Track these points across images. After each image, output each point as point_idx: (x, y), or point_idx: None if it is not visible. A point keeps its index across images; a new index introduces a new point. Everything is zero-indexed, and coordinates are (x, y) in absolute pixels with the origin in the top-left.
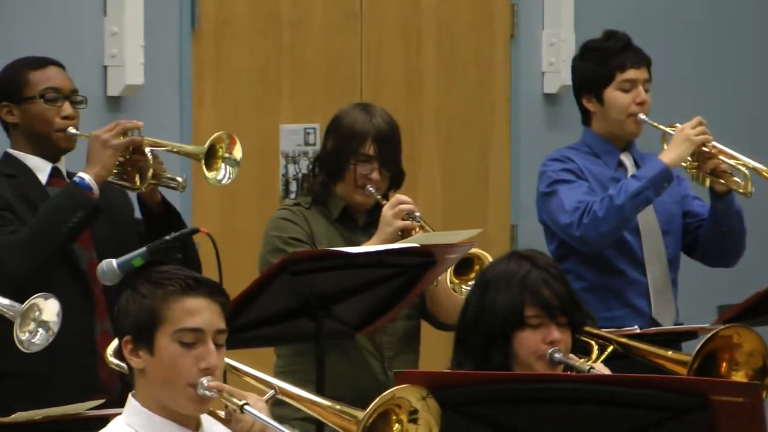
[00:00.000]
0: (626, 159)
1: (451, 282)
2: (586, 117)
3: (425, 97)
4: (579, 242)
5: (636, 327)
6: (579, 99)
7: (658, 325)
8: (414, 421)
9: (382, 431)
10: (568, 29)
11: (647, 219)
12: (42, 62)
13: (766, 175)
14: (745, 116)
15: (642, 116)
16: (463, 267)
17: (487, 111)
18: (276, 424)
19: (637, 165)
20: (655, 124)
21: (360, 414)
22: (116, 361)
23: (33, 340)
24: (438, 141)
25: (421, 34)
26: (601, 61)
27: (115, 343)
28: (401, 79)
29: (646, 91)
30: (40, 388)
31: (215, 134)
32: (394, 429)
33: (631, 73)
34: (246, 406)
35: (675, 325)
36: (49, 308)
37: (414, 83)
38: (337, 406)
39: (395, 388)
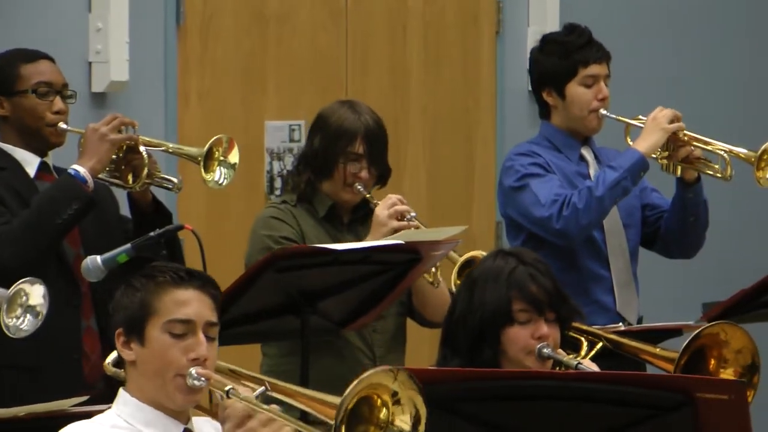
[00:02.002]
0: (587, 153)
1: (455, 285)
2: (545, 110)
3: (411, 94)
4: (558, 235)
5: (621, 324)
6: (538, 92)
7: (624, 319)
8: (397, 402)
9: (371, 417)
10: (553, 26)
11: (610, 213)
12: (34, 56)
13: (743, 156)
14: (728, 110)
15: (604, 111)
16: (467, 269)
17: (473, 108)
18: (261, 405)
19: (597, 159)
20: (619, 117)
21: (337, 400)
22: (113, 369)
23: (20, 326)
24: (423, 137)
25: (406, 30)
26: (564, 55)
27: (114, 354)
28: (387, 75)
29: (607, 86)
30: (24, 381)
31: (215, 137)
32: (382, 414)
33: (593, 69)
34: (231, 390)
35: (638, 318)
36: (36, 293)
37: (399, 80)
38: (327, 398)
39: (364, 375)
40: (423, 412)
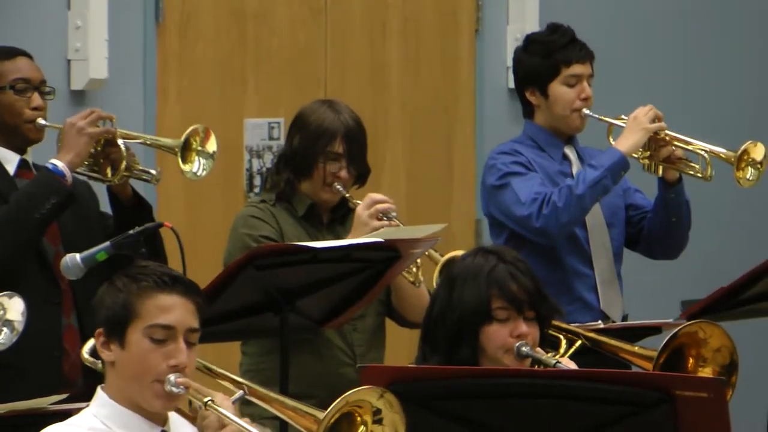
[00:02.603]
0: (570, 152)
1: (436, 284)
2: (529, 110)
3: (390, 92)
4: (538, 233)
5: (599, 322)
6: (522, 92)
7: (608, 318)
8: (379, 421)
9: None
10: (533, 25)
11: (593, 212)
12: (12, 52)
13: (723, 157)
14: (710, 110)
15: (586, 111)
16: None
17: (452, 105)
18: (239, 420)
19: (580, 158)
20: (601, 117)
21: (321, 415)
22: (91, 359)
23: None
24: (403, 135)
25: (386, 28)
26: (547, 55)
27: (91, 343)
28: (366, 73)
29: (590, 86)
30: (5, 379)
31: (191, 127)
32: (359, 431)
33: (576, 68)
34: (210, 402)
35: (622, 317)
36: (14, 307)
37: (379, 78)
38: (304, 408)
39: (349, 392)
40: None
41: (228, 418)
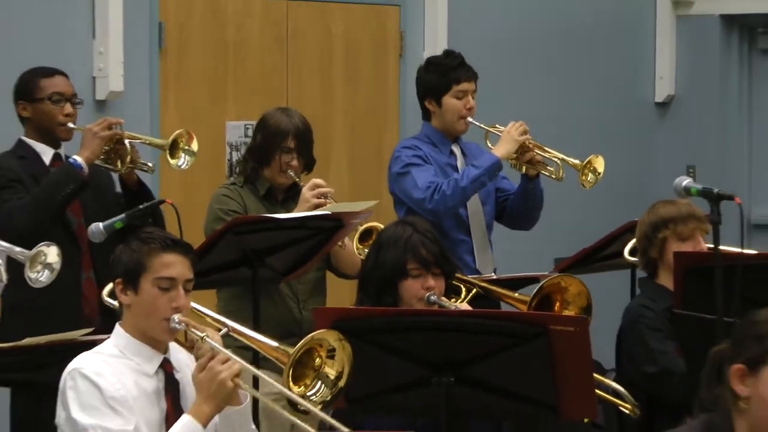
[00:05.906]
0: (456, 148)
1: (356, 248)
2: (427, 115)
3: (335, 102)
4: (429, 213)
5: (493, 274)
6: (422, 101)
7: (481, 274)
8: (331, 357)
9: (307, 363)
10: (443, 50)
11: None
12: (51, 72)
13: (570, 162)
14: (565, 122)
15: (470, 119)
16: (365, 236)
17: (382, 113)
18: (227, 351)
19: (463, 153)
20: (480, 125)
21: (291, 350)
22: (110, 300)
23: (40, 278)
24: (345, 135)
25: (332, 54)
26: (442, 74)
27: (108, 287)
28: (318, 87)
29: (473, 99)
30: (39, 318)
31: (177, 131)
32: (316, 362)
33: (464, 85)
34: (206, 337)
35: (492, 271)
36: (52, 252)
37: (327, 91)
38: (274, 343)
39: (319, 331)
40: (347, 372)
41: (217, 348)
